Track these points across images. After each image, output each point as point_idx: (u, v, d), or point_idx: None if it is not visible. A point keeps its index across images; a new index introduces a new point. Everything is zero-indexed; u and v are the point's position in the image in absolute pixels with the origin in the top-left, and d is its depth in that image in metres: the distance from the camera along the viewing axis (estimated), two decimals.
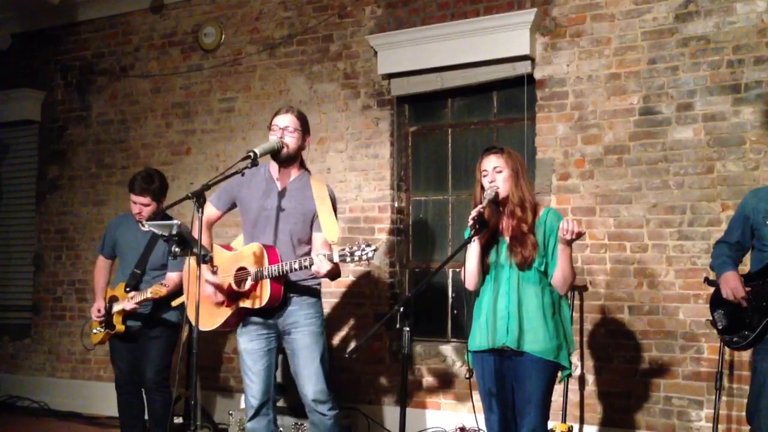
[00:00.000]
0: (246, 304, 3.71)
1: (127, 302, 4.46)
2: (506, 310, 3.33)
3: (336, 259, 3.44)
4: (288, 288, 3.73)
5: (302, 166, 3.93)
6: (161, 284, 4.39)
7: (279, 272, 3.60)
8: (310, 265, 3.53)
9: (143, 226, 4.58)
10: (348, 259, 3.39)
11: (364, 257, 3.35)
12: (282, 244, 3.74)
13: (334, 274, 3.61)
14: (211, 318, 3.83)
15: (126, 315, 4.55)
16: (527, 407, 3.32)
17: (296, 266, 3.56)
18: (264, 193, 3.83)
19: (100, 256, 4.88)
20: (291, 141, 3.77)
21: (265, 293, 3.64)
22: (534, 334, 3.30)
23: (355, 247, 3.39)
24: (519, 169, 3.41)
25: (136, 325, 4.61)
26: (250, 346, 3.79)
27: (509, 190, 3.38)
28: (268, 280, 3.62)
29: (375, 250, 3.33)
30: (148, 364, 4.58)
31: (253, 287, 3.68)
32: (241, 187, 3.87)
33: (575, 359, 4.78)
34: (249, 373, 3.78)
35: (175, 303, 4.40)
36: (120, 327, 4.55)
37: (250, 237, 3.83)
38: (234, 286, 3.75)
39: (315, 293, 3.84)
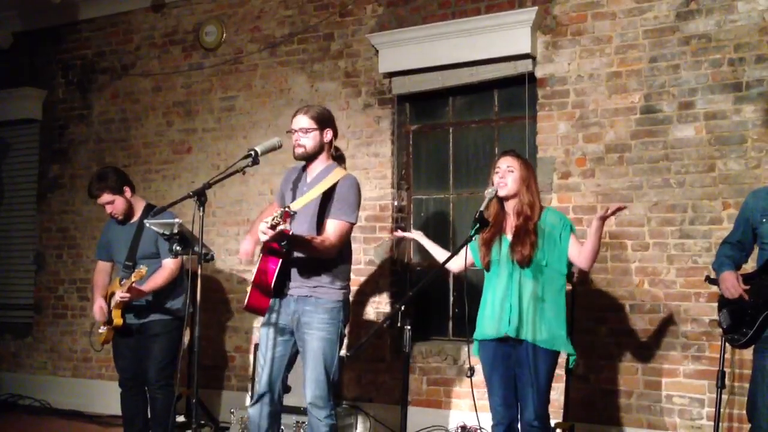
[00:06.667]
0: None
1: (119, 292, 4.44)
2: (508, 302, 3.62)
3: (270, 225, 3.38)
4: (303, 276, 3.75)
5: (332, 158, 3.91)
6: (143, 267, 4.37)
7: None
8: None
9: (122, 223, 4.70)
10: (269, 223, 3.35)
11: (282, 225, 3.34)
12: None
13: (283, 244, 3.57)
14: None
15: (123, 308, 4.52)
16: (528, 393, 3.59)
17: (270, 222, 3.43)
18: (289, 192, 3.91)
19: (98, 261, 4.92)
20: (307, 141, 3.80)
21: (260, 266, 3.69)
22: (532, 325, 3.58)
23: (278, 218, 3.37)
24: (530, 176, 3.75)
25: (136, 323, 4.61)
26: (264, 333, 3.85)
27: (518, 190, 3.69)
28: (261, 255, 3.69)
29: (290, 214, 3.35)
30: (151, 362, 4.59)
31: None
32: (282, 183, 4.04)
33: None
34: (261, 360, 3.84)
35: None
36: (118, 321, 4.51)
37: None
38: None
39: (336, 296, 3.79)
